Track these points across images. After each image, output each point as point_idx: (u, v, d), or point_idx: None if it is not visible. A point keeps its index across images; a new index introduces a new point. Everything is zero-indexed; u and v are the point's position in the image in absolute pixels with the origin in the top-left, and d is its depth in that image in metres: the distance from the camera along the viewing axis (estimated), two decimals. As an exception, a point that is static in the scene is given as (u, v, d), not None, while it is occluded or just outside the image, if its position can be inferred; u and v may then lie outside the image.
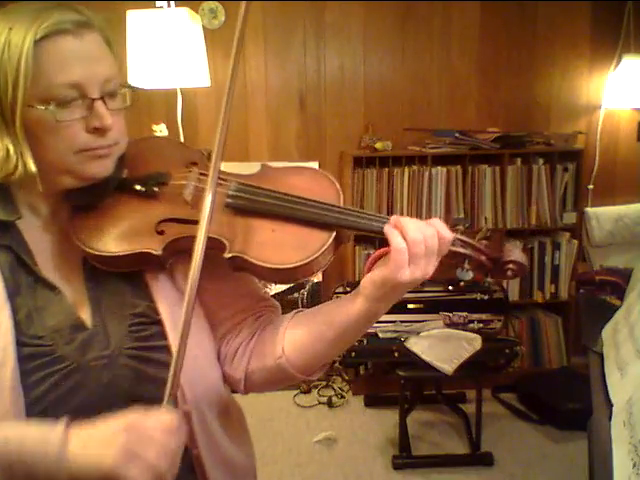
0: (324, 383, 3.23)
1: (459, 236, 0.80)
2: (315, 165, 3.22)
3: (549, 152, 3.09)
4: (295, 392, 3.18)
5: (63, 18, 0.73)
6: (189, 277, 0.73)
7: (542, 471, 2.51)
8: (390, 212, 3.02)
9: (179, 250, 0.80)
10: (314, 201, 0.79)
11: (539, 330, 3.21)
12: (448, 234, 0.77)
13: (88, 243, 0.78)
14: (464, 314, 2.63)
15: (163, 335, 0.80)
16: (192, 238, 0.74)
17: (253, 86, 3.20)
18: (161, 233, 0.78)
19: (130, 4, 2.39)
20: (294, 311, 0.89)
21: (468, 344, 2.48)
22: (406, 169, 3.01)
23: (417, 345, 2.49)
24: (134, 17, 2.28)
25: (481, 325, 2.63)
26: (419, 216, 2.99)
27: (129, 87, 0.82)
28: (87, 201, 0.80)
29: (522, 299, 3.17)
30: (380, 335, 2.59)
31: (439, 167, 3.02)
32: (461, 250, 0.79)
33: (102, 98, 0.76)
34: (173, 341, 0.79)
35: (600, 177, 3.30)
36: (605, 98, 3.24)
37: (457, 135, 2.98)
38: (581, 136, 3.21)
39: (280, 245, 0.78)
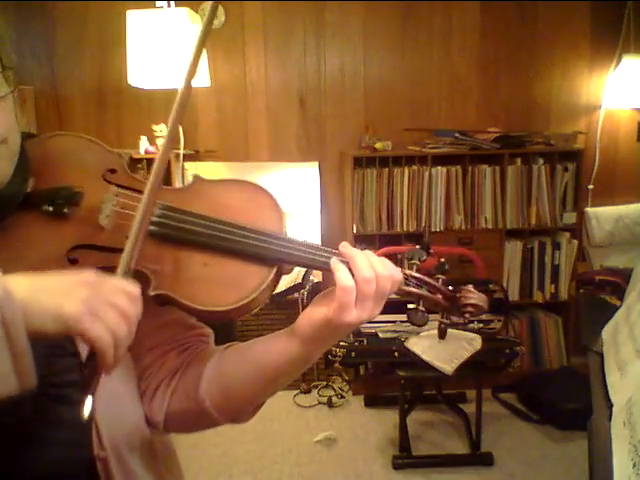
0: (324, 383, 3.23)
1: (414, 273, 0.74)
2: (315, 165, 3.22)
3: (549, 152, 3.09)
4: (295, 392, 3.18)
5: None
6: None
7: (542, 471, 2.51)
8: (390, 212, 3.02)
9: None
10: (253, 230, 0.69)
11: (539, 330, 3.21)
12: (399, 275, 0.70)
13: None
14: (464, 314, 2.63)
15: (76, 369, 0.69)
16: (113, 269, 0.62)
17: (253, 86, 3.20)
18: (74, 262, 0.66)
19: (130, 4, 2.38)
20: (224, 346, 0.80)
21: (468, 344, 2.48)
22: (406, 169, 3.01)
23: (417, 345, 2.49)
24: (134, 17, 2.28)
25: (481, 325, 2.63)
26: (419, 216, 3.01)
27: (7, 68, 0.66)
28: None
29: (522, 299, 3.17)
30: (380, 335, 2.59)
31: (439, 167, 3.02)
32: (415, 290, 0.73)
33: None
34: None
35: (600, 177, 3.30)
36: (605, 98, 3.24)
37: (457, 135, 2.98)
38: (581, 136, 3.21)
39: (213, 283, 0.68)
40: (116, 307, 0.56)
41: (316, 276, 3.21)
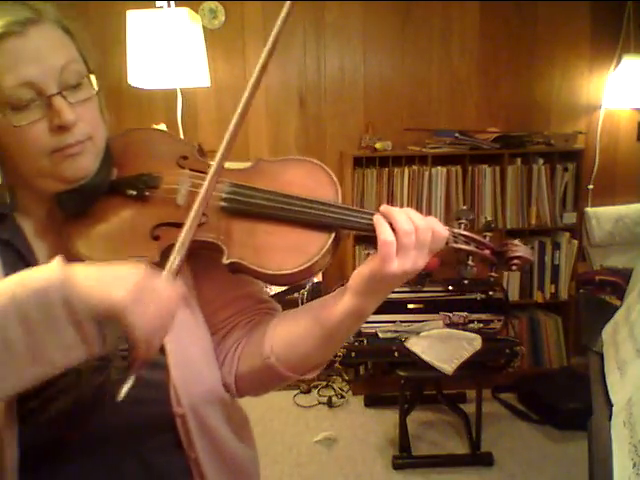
0: (324, 383, 3.23)
1: (462, 231, 0.78)
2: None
3: (549, 152, 3.09)
4: (295, 392, 3.18)
5: (10, 27, 0.68)
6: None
7: (542, 471, 2.51)
8: (390, 212, 3.02)
9: None
10: (312, 201, 0.76)
11: (539, 330, 3.21)
12: (443, 231, 0.74)
13: (81, 251, 0.74)
14: (464, 314, 2.63)
15: None
16: (190, 242, 0.71)
17: (253, 86, 3.19)
18: (157, 239, 0.75)
19: (130, 4, 2.39)
20: (282, 312, 0.87)
21: (468, 344, 2.48)
22: (406, 169, 3.01)
23: (417, 345, 2.49)
24: (134, 17, 2.28)
25: (481, 325, 2.63)
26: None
27: (92, 73, 0.77)
28: (77, 206, 0.76)
29: (522, 299, 3.17)
30: (380, 335, 2.59)
31: (439, 167, 3.02)
32: (464, 247, 0.77)
33: (60, 93, 0.70)
34: (168, 340, 0.76)
35: (600, 177, 3.30)
36: (605, 98, 3.24)
37: (457, 135, 2.98)
38: (581, 136, 3.21)
39: (279, 249, 0.75)
40: (160, 302, 0.63)
41: (316, 276, 3.21)
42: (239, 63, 3.16)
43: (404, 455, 2.58)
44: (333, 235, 0.75)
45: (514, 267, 0.79)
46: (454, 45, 3.21)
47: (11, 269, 0.73)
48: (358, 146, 3.16)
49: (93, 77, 0.76)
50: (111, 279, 0.62)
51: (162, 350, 0.76)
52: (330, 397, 3.10)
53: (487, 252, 0.79)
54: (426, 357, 2.44)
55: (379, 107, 3.23)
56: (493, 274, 0.81)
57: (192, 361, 0.80)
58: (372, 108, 3.23)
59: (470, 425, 2.70)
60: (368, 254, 3.02)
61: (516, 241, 0.81)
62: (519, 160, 3.08)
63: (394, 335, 2.58)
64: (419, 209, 2.82)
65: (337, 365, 2.62)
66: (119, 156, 0.80)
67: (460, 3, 3.16)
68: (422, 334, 2.55)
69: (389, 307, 2.64)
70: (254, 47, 3.14)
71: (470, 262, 0.78)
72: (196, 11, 2.80)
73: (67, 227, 0.76)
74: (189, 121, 3.10)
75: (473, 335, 2.52)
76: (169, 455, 0.81)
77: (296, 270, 0.73)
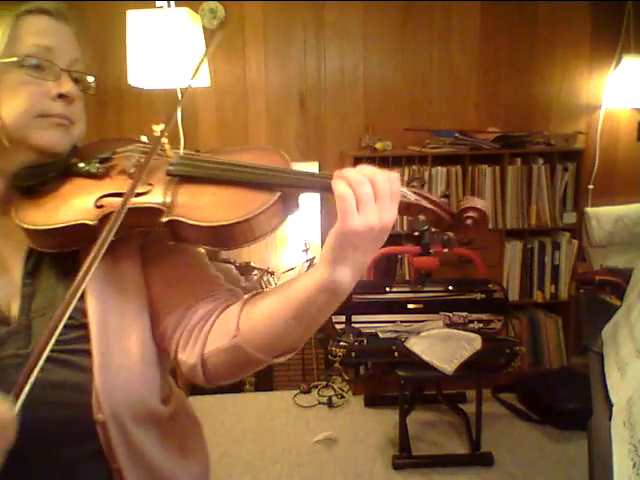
0: (324, 383, 3.23)
1: (415, 190, 0.77)
2: (315, 166, 3.22)
3: (549, 152, 3.09)
4: (295, 392, 3.18)
5: (44, 5, 0.78)
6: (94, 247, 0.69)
7: (542, 471, 2.51)
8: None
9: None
10: (256, 166, 0.76)
11: (539, 330, 3.21)
12: (394, 173, 0.71)
13: (24, 219, 0.76)
14: (464, 314, 2.63)
15: (86, 339, 0.76)
16: (131, 210, 0.72)
17: (253, 86, 3.20)
18: (100, 207, 0.76)
19: (130, 4, 2.38)
20: (253, 292, 0.83)
21: (468, 344, 2.48)
22: (406, 169, 3.01)
23: (417, 345, 2.49)
24: (134, 17, 2.28)
25: (481, 325, 2.63)
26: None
27: (93, 77, 0.83)
28: (32, 179, 0.78)
29: (522, 299, 3.17)
30: (380, 335, 2.59)
31: (439, 167, 3.03)
32: (414, 201, 0.76)
33: (69, 70, 0.79)
34: (95, 344, 0.75)
35: (600, 177, 3.30)
36: (605, 98, 3.24)
37: (457, 135, 2.98)
38: (581, 136, 3.21)
39: (219, 205, 0.74)
40: None
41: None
42: (239, 63, 3.16)
43: (404, 455, 2.58)
44: (277, 194, 0.74)
45: (469, 221, 0.76)
46: (454, 45, 3.21)
47: None
48: (358, 146, 3.16)
49: (92, 79, 0.84)
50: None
51: (89, 355, 0.75)
52: (330, 397, 3.11)
53: (439, 210, 0.76)
54: (426, 357, 2.44)
55: (379, 107, 3.23)
56: (449, 234, 0.79)
57: (119, 367, 0.77)
58: (372, 108, 3.23)
59: (470, 425, 2.70)
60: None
61: (470, 196, 0.80)
62: (519, 160, 3.08)
63: (394, 335, 2.58)
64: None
65: (337, 365, 2.62)
66: (84, 151, 0.84)
67: (460, 3, 3.16)
68: (422, 334, 2.55)
69: (389, 307, 2.65)
70: (254, 47, 3.14)
71: (422, 217, 0.77)
72: (196, 11, 2.80)
73: (17, 204, 0.78)
74: (189, 121, 3.10)
75: (473, 335, 2.52)
76: (90, 464, 0.79)
77: (233, 221, 0.72)
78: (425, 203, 0.76)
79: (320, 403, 3.10)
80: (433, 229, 0.79)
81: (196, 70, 0.89)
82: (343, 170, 0.71)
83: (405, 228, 3.01)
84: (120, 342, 0.78)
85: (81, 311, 0.77)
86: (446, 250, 0.83)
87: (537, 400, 2.93)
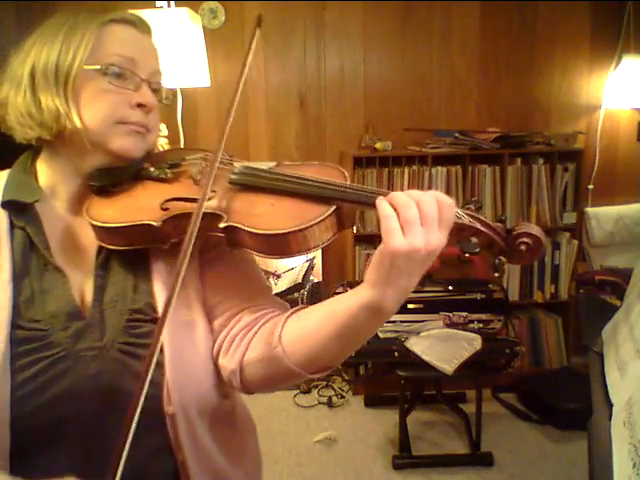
0: (324, 383, 3.23)
1: (468, 212, 0.76)
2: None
3: (549, 152, 3.09)
4: (295, 392, 3.18)
5: (128, 16, 0.83)
6: (178, 259, 0.73)
7: (542, 471, 2.51)
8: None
9: (180, 229, 0.78)
10: (314, 179, 0.79)
11: (539, 330, 3.21)
12: (448, 199, 0.70)
13: (94, 216, 0.80)
14: (464, 314, 2.63)
15: None
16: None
17: (253, 86, 3.20)
18: (165, 209, 0.80)
19: (130, 4, 2.37)
20: (298, 306, 0.85)
21: (468, 344, 2.48)
22: (406, 169, 3.01)
23: (417, 345, 2.49)
24: (134, 17, 2.28)
25: (481, 325, 2.63)
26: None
27: (171, 90, 0.89)
28: (106, 181, 0.83)
29: (522, 299, 3.17)
30: (380, 335, 2.59)
31: (439, 167, 3.03)
32: (468, 224, 0.75)
33: (149, 81, 0.84)
34: (168, 339, 0.78)
35: (600, 177, 3.30)
36: (605, 98, 3.24)
37: (457, 135, 2.98)
38: (581, 136, 3.21)
39: (276, 215, 0.77)
40: None
41: (316, 276, 3.21)
42: (239, 63, 3.15)
43: (404, 455, 2.58)
44: (333, 207, 0.76)
45: (523, 247, 0.75)
46: (454, 45, 3.21)
47: (22, 255, 0.80)
48: (358, 146, 3.16)
49: (179, 90, 0.93)
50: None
51: (161, 350, 0.77)
52: (330, 397, 3.11)
53: (492, 233, 0.76)
54: (426, 357, 2.44)
55: (379, 107, 3.23)
56: (501, 258, 0.77)
57: (188, 362, 0.80)
58: (372, 108, 3.23)
59: (470, 425, 2.70)
60: (368, 254, 3.02)
61: (525, 222, 0.80)
62: (519, 160, 3.08)
63: (394, 335, 2.58)
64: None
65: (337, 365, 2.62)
66: (155, 158, 0.90)
67: (460, 3, 3.16)
68: (422, 334, 2.55)
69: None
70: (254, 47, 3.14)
71: (474, 239, 0.76)
72: (196, 11, 2.80)
73: (89, 203, 0.83)
74: (189, 121, 3.10)
75: (473, 335, 2.52)
76: (159, 459, 0.81)
77: (289, 230, 0.73)
78: (479, 226, 0.76)
79: (320, 403, 3.10)
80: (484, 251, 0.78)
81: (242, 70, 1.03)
82: (393, 192, 0.72)
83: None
84: (189, 337, 0.81)
85: (151, 306, 0.81)
86: (497, 275, 0.82)
87: (537, 400, 2.93)
